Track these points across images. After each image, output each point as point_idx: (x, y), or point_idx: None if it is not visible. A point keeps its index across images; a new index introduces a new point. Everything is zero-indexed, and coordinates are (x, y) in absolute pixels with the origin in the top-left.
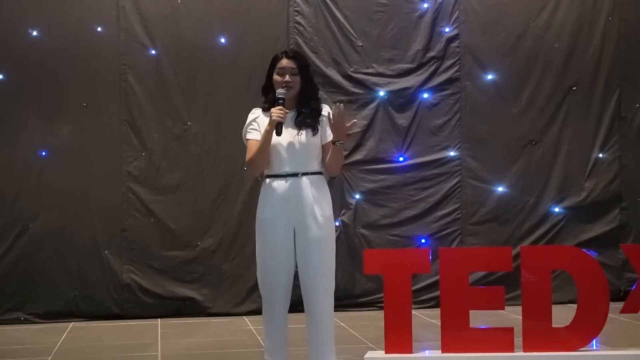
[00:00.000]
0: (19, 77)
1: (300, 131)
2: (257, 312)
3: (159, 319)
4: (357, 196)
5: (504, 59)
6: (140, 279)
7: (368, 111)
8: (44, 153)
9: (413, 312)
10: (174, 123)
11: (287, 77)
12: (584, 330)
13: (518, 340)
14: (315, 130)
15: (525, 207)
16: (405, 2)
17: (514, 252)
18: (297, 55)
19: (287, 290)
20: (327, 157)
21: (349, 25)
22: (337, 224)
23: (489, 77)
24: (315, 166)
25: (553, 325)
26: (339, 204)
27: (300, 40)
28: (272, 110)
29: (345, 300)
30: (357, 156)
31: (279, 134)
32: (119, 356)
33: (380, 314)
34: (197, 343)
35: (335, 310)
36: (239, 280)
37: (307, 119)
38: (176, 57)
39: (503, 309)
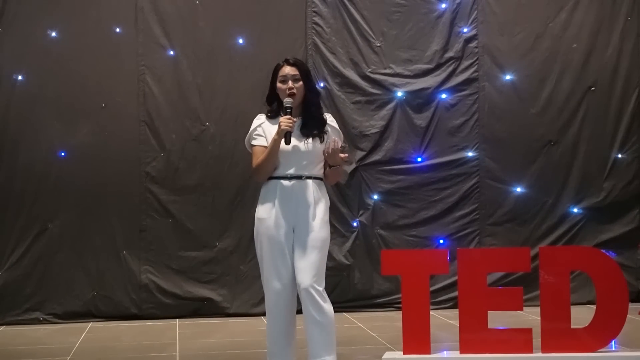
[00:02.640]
0: (38, 78)
1: (307, 139)
2: None
3: (177, 320)
4: (375, 197)
5: (522, 59)
6: (159, 279)
7: (386, 112)
8: (62, 153)
9: (431, 312)
10: (192, 124)
11: (289, 84)
12: (602, 331)
13: (536, 341)
14: (322, 140)
15: (544, 208)
16: (423, 2)
17: (532, 252)
18: (298, 62)
19: (291, 290)
20: (327, 171)
21: (367, 26)
22: (354, 224)
23: (507, 77)
24: (318, 171)
25: (572, 326)
26: (357, 205)
27: (318, 41)
28: (281, 119)
29: (362, 301)
30: (375, 157)
31: (287, 142)
32: (137, 356)
33: (398, 315)
34: (215, 343)
35: (352, 311)
36: (256, 280)
37: (314, 128)
38: (194, 58)
39: (521, 309)
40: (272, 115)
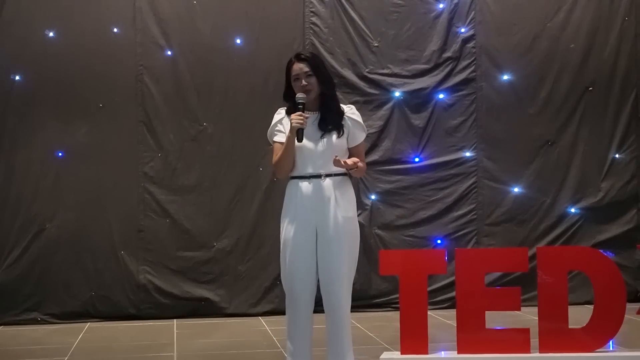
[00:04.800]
0: (36, 78)
1: (325, 133)
2: (273, 312)
3: (175, 320)
4: (373, 197)
5: (520, 60)
6: (157, 279)
7: (384, 112)
8: (60, 154)
9: (429, 312)
10: (190, 124)
11: (303, 82)
12: (600, 331)
13: (534, 341)
14: (340, 133)
15: (542, 208)
16: (421, 3)
17: (530, 252)
18: (308, 57)
19: (310, 291)
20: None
21: (365, 26)
22: None
23: (505, 77)
24: (341, 167)
25: (569, 326)
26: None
27: (316, 41)
28: (292, 116)
29: (360, 301)
30: (373, 157)
31: (299, 140)
32: (135, 356)
33: (396, 315)
34: (213, 344)
35: (350, 311)
36: (255, 280)
37: (331, 121)
38: (192, 58)
39: (519, 309)
40: (291, 111)
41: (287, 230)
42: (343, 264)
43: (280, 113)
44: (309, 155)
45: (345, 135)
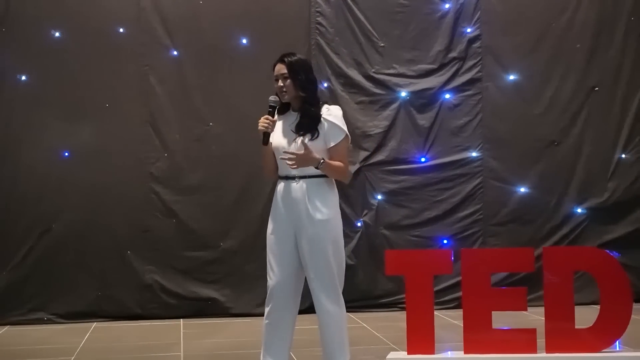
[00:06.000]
0: (41, 78)
1: (298, 136)
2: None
3: (181, 320)
4: (379, 197)
5: (526, 60)
6: (162, 279)
7: (389, 112)
8: (66, 154)
9: (435, 313)
10: (196, 124)
11: (279, 83)
12: (606, 332)
13: (540, 341)
14: (314, 134)
15: (547, 208)
16: (426, 3)
17: (536, 253)
18: (287, 60)
19: (288, 291)
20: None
21: (370, 26)
22: (358, 224)
23: (511, 77)
24: (313, 170)
25: (576, 327)
26: (361, 205)
27: (321, 41)
28: (260, 119)
29: (366, 301)
30: (379, 157)
31: (265, 143)
32: (141, 356)
33: (401, 315)
34: (219, 343)
35: (356, 311)
36: (260, 280)
37: (305, 124)
38: (197, 58)
39: (525, 309)
40: (281, 112)
41: (268, 228)
42: (324, 266)
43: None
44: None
45: (320, 137)
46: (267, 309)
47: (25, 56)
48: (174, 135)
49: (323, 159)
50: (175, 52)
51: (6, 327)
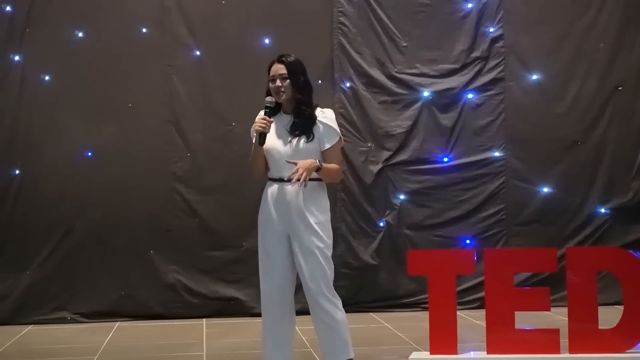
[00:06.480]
0: (65, 78)
1: (294, 138)
2: (301, 312)
3: (203, 319)
4: (401, 197)
5: (548, 59)
6: (185, 279)
7: (412, 112)
8: (89, 154)
9: (457, 313)
10: (218, 124)
11: (277, 83)
12: (630, 332)
13: (564, 341)
14: (309, 137)
15: (570, 208)
16: (448, 2)
17: (559, 253)
18: (286, 60)
19: (283, 294)
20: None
21: (393, 26)
22: (381, 224)
23: (534, 77)
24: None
25: (599, 327)
26: (383, 205)
27: (344, 41)
28: (256, 119)
29: (389, 301)
30: (401, 157)
31: (261, 143)
32: (164, 355)
33: (424, 315)
34: (242, 343)
35: (379, 311)
36: None
37: (300, 126)
38: (220, 58)
39: (549, 310)
40: (272, 114)
41: (259, 230)
42: (317, 270)
43: (261, 115)
44: (278, 158)
45: (315, 139)
46: (265, 317)
47: (49, 56)
48: (197, 135)
49: (322, 163)
50: (197, 52)
51: (30, 326)
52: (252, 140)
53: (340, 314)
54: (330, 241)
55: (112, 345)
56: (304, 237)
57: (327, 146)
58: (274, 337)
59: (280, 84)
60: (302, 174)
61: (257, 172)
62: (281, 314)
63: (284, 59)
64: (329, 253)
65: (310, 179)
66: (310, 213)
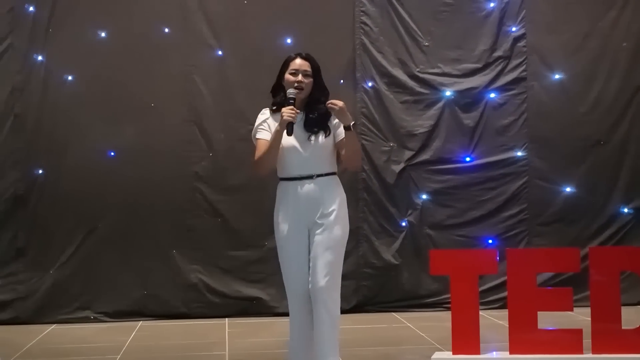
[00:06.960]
0: (87, 78)
1: (312, 135)
2: None
3: (226, 319)
4: (424, 196)
5: (571, 58)
6: (208, 278)
7: (434, 111)
8: (111, 153)
9: (480, 313)
10: (240, 123)
11: (299, 77)
12: None
13: (587, 342)
14: (327, 132)
15: (593, 208)
16: (470, 2)
17: (581, 253)
18: (310, 58)
19: (305, 290)
20: (343, 150)
21: (415, 25)
22: (403, 224)
23: (556, 76)
24: (327, 167)
25: (622, 327)
26: (405, 204)
27: (366, 41)
28: (283, 110)
29: (411, 301)
30: (424, 156)
31: (289, 133)
32: (187, 355)
33: (446, 315)
34: (264, 342)
35: (401, 311)
36: None
37: (317, 122)
38: (242, 58)
39: (571, 310)
40: (277, 110)
41: (280, 231)
42: (333, 264)
43: (265, 114)
44: (297, 156)
45: (331, 134)
46: (296, 321)
47: (71, 56)
48: (219, 134)
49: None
50: (220, 52)
51: (53, 326)
52: (254, 140)
53: (337, 313)
54: (346, 237)
55: (135, 345)
56: (324, 230)
57: (340, 138)
58: (307, 341)
59: (302, 79)
60: (341, 105)
61: (269, 167)
62: (306, 310)
63: (305, 55)
64: (342, 249)
65: (327, 174)
66: (332, 206)
